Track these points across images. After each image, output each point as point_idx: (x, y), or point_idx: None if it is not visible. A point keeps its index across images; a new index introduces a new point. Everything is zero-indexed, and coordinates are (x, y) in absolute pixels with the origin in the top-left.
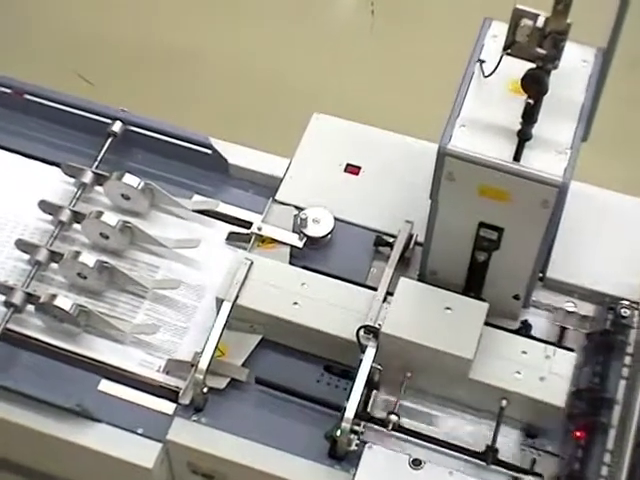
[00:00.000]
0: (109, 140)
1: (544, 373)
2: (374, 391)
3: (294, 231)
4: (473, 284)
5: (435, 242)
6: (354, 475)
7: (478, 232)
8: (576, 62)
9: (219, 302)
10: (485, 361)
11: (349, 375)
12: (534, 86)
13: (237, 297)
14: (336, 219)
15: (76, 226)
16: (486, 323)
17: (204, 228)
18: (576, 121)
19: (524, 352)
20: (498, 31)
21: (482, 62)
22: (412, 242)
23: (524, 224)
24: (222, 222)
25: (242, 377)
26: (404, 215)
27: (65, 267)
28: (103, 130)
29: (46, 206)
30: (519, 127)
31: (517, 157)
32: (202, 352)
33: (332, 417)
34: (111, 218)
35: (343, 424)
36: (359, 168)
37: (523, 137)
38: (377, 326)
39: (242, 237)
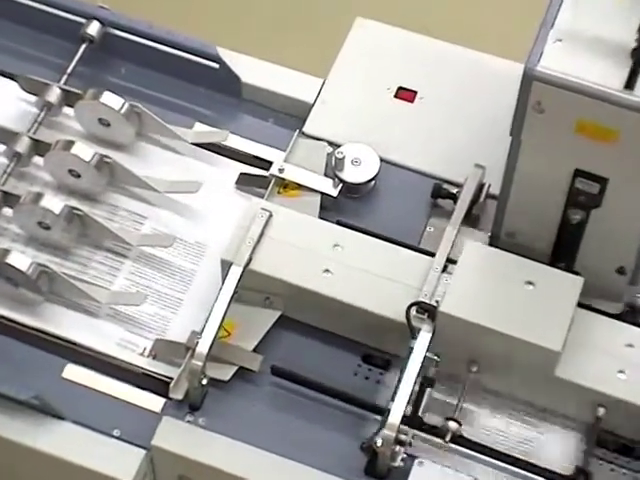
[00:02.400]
0: (83, 47)
1: None
2: (428, 389)
3: (327, 175)
4: (564, 252)
5: (515, 195)
6: None
7: (573, 183)
8: None
9: (226, 266)
10: (577, 355)
11: (395, 367)
12: None
13: (250, 260)
14: (382, 160)
15: (37, 159)
16: (579, 304)
17: (207, 167)
18: None
19: (630, 345)
20: None
21: None
22: (483, 194)
23: (635, 174)
24: (232, 160)
25: (253, 366)
26: (473, 157)
27: (22, 214)
28: (75, 33)
29: None
30: (634, 45)
31: (630, 84)
32: (202, 331)
33: (371, 422)
34: (84, 150)
35: (385, 431)
36: (415, 93)
37: (639, 59)
38: (434, 303)
39: (258, 181)
